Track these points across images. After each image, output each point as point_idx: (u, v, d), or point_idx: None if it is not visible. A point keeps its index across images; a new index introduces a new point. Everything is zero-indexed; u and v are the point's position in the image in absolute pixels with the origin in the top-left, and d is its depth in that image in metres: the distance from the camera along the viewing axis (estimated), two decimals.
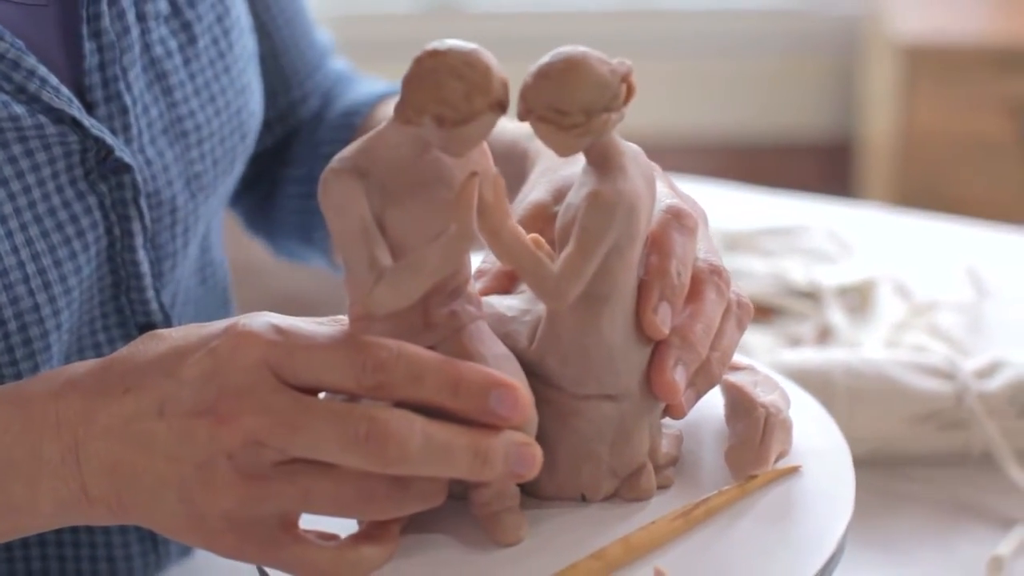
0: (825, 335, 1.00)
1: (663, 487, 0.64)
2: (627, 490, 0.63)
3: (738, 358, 0.69)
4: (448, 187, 0.58)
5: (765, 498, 0.64)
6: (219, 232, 0.89)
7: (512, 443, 0.57)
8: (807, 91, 2.87)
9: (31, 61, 0.68)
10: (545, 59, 0.57)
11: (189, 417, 0.57)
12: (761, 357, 0.93)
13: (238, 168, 0.84)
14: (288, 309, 0.62)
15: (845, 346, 0.97)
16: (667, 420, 0.66)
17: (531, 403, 0.59)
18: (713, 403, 0.67)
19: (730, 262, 1.06)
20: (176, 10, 0.77)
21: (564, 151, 0.58)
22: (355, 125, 0.93)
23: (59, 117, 0.69)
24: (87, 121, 0.70)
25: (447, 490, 0.60)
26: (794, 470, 0.65)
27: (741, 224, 1.14)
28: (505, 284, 0.66)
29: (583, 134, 0.57)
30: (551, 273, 0.57)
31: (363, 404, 0.57)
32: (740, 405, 0.66)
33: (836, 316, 1.00)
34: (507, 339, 0.62)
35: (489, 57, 0.56)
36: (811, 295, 1.03)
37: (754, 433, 0.64)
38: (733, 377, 0.67)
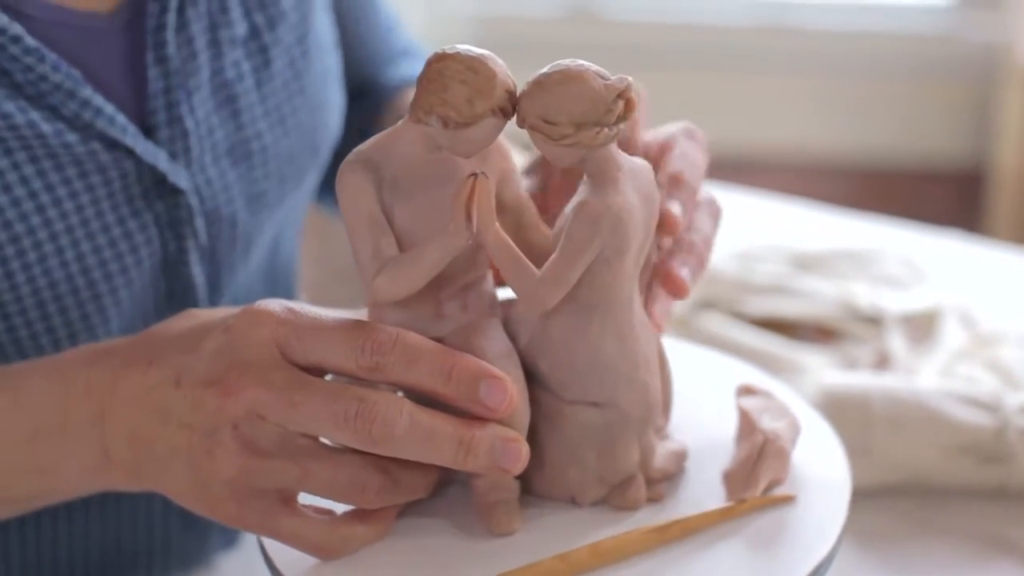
0: (884, 361, 0.99)
1: (653, 500, 0.65)
2: (616, 498, 0.64)
3: (760, 382, 0.70)
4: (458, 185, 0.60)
5: (750, 524, 0.63)
6: (291, 237, 0.91)
7: (498, 437, 0.59)
8: (940, 118, 2.83)
9: (86, 92, 0.70)
10: (543, 70, 0.58)
11: (201, 387, 0.60)
12: (809, 377, 0.94)
13: (309, 182, 0.86)
14: None
15: (902, 373, 0.97)
16: (673, 436, 0.67)
17: (522, 399, 0.61)
18: (729, 425, 0.68)
19: (798, 283, 1.06)
20: (255, 33, 0.79)
21: (557, 161, 0.59)
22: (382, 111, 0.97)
23: (113, 144, 0.72)
24: (140, 148, 0.73)
25: (434, 486, 0.63)
26: (787, 499, 0.64)
27: (816, 245, 1.14)
28: None
29: (572, 145, 0.58)
30: (532, 278, 0.59)
31: (359, 386, 0.59)
32: (744, 429, 0.66)
33: (896, 343, 1.00)
34: (510, 338, 0.63)
35: (496, 63, 0.58)
36: (874, 320, 1.03)
37: (749, 458, 0.64)
38: (746, 401, 0.68)
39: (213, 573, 0.89)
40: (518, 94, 0.59)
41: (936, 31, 2.80)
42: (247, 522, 0.61)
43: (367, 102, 0.96)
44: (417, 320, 0.61)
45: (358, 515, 0.62)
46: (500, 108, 0.58)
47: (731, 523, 0.63)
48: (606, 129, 0.58)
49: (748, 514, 0.64)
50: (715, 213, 0.68)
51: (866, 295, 1.05)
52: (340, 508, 0.63)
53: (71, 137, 0.70)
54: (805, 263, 1.11)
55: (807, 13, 2.86)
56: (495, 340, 0.62)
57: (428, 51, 1.02)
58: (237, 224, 0.79)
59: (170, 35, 0.74)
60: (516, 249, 0.59)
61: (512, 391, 0.59)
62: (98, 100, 0.71)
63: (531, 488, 0.64)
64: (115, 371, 0.63)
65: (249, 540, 0.91)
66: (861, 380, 0.89)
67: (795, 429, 0.67)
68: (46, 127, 0.69)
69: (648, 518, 0.63)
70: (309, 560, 0.61)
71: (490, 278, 0.64)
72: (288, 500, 0.61)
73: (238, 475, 0.60)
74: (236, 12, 0.78)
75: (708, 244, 0.67)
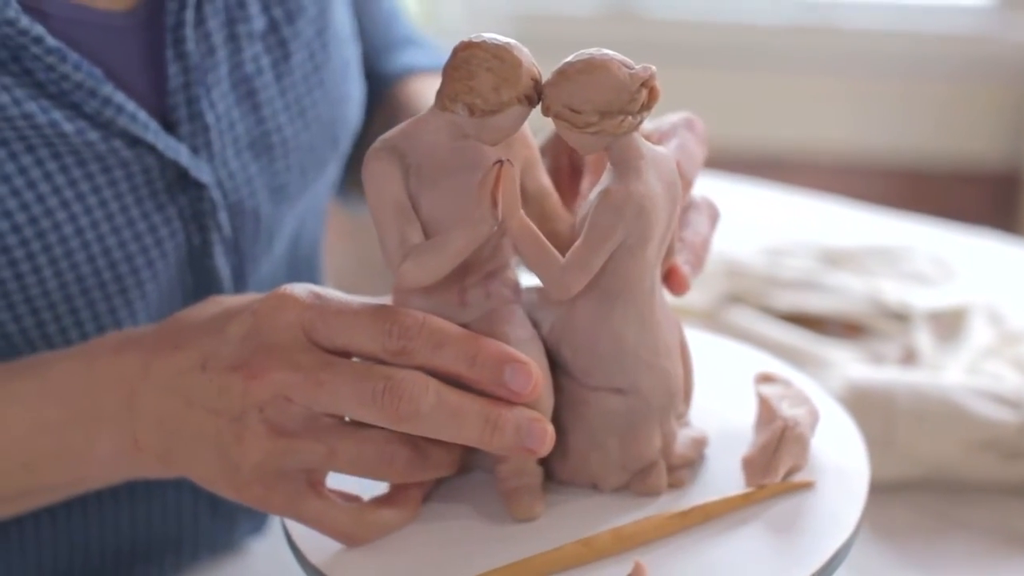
0: (910, 357, 1.00)
1: (675, 487, 0.65)
2: (637, 485, 0.65)
3: (779, 371, 0.71)
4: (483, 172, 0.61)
5: (769, 509, 0.64)
6: (313, 227, 0.92)
7: (524, 416, 0.60)
8: (978, 118, 2.82)
9: (107, 89, 0.71)
10: (568, 59, 0.59)
11: (227, 371, 0.61)
12: (835, 371, 0.94)
13: (330, 173, 0.87)
14: None
15: (928, 370, 0.97)
16: (692, 423, 0.68)
17: (545, 384, 0.62)
18: (748, 413, 0.69)
19: (826, 278, 1.07)
20: (274, 27, 0.80)
21: (582, 149, 0.60)
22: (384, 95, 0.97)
23: (135, 141, 0.73)
24: (162, 144, 0.73)
25: (460, 461, 0.64)
26: (806, 485, 0.65)
27: (846, 241, 1.14)
28: None
29: (596, 133, 0.59)
30: (556, 265, 0.60)
31: (384, 366, 0.59)
32: (763, 416, 0.67)
33: (922, 339, 1.00)
34: (533, 325, 0.64)
35: (522, 52, 0.59)
36: (902, 317, 1.03)
37: (769, 444, 0.65)
38: (765, 388, 0.68)
39: (241, 558, 0.91)
40: (543, 82, 0.60)
41: (975, 32, 2.79)
42: (274, 505, 0.62)
43: (366, 92, 0.97)
44: (441, 307, 0.62)
45: (385, 500, 0.63)
46: (526, 96, 0.59)
47: (750, 508, 0.64)
48: (630, 117, 0.59)
49: (768, 500, 0.64)
50: (713, 216, 0.69)
51: (894, 291, 1.05)
52: (366, 496, 0.63)
53: (93, 135, 0.71)
54: (834, 259, 1.11)
55: (846, 13, 2.85)
56: (519, 327, 0.63)
57: (443, 41, 1.03)
58: (260, 217, 0.80)
59: (189, 31, 0.74)
60: (540, 236, 0.60)
61: (537, 375, 0.60)
62: (119, 97, 0.71)
63: (553, 474, 0.65)
64: (143, 357, 0.64)
65: (277, 525, 0.92)
66: (886, 374, 0.90)
67: (814, 416, 0.67)
68: (68, 126, 0.70)
69: (669, 504, 0.64)
70: (333, 544, 0.62)
71: (513, 265, 0.65)
72: (315, 484, 0.62)
73: (266, 458, 0.60)
74: (254, 7, 0.78)
75: (706, 246, 0.67)
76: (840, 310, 1.04)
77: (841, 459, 0.67)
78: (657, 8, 2.93)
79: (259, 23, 0.79)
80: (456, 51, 0.59)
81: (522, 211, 0.60)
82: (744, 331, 1.01)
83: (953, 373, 0.96)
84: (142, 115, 0.72)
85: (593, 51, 0.59)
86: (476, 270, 0.63)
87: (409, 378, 0.58)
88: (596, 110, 0.58)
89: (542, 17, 2.94)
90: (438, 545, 0.62)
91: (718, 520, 0.63)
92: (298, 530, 0.63)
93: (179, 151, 0.74)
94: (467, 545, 0.62)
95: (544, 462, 0.64)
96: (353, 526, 0.61)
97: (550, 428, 0.61)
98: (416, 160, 0.61)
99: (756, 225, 1.21)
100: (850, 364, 0.95)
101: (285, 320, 0.60)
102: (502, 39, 0.59)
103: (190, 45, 0.75)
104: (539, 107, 0.60)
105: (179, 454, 0.63)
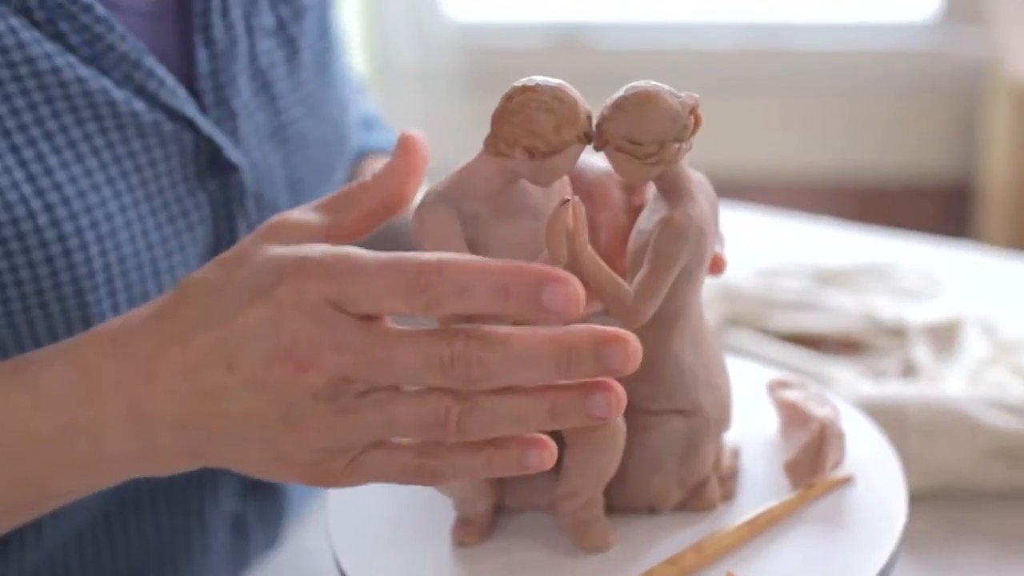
0: (909, 371, 1.02)
1: (727, 498, 0.68)
2: (694, 501, 0.67)
3: (794, 377, 0.74)
4: (535, 215, 0.62)
5: (821, 506, 0.67)
6: None
7: (597, 332, 0.55)
8: (928, 133, 2.86)
9: (150, 62, 0.73)
10: (620, 93, 0.61)
11: (264, 367, 0.56)
12: (839, 388, 0.96)
13: (337, 176, 0.89)
14: None
15: (928, 382, 0.99)
16: (724, 436, 0.70)
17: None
18: (763, 420, 0.72)
19: (821, 298, 1.09)
20: (281, 25, 0.83)
21: (637, 179, 0.62)
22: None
23: (175, 115, 0.75)
24: (200, 120, 0.76)
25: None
26: (847, 480, 0.69)
27: (835, 261, 1.16)
28: None
29: (656, 163, 0.60)
30: (628, 294, 0.61)
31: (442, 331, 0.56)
32: (796, 419, 0.69)
33: (920, 353, 1.02)
34: None
35: (574, 91, 0.60)
36: (897, 332, 1.05)
37: (811, 444, 0.68)
38: (787, 394, 0.71)
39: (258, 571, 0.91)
40: (596, 119, 0.61)
41: (922, 47, 2.84)
42: (361, 476, 0.59)
43: None
44: None
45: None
46: (584, 134, 0.60)
47: (802, 508, 0.67)
48: (683, 144, 0.61)
49: (816, 497, 0.68)
50: None
51: (888, 308, 1.08)
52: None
53: (139, 105, 0.73)
54: (826, 278, 1.14)
55: (794, 35, 2.89)
56: None
57: (395, 82, 1.06)
58: (279, 209, 0.81)
59: (215, 18, 0.77)
60: (609, 269, 0.61)
61: (578, 289, 0.54)
62: (161, 71, 0.73)
63: (609, 502, 0.66)
64: (144, 361, 0.60)
65: (290, 541, 0.92)
66: (895, 389, 0.92)
67: (838, 413, 0.71)
68: (117, 93, 0.72)
69: (723, 516, 0.67)
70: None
71: None
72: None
73: (331, 441, 0.57)
74: (264, 2, 0.82)
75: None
76: (837, 328, 1.06)
77: (863, 449, 0.71)
78: (604, 39, 2.96)
79: (269, 19, 0.82)
80: (511, 96, 0.60)
81: (589, 246, 0.61)
82: (744, 353, 1.03)
83: (953, 384, 0.98)
84: (181, 91, 0.74)
85: (642, 83, 0.61)
86: None
87: (472, 328, 0.55)
88: (655, 140, 0.60)
89: (492, 51, 2.96)
90: None
91: (777, 524, 0.66)
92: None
93: (213, 130, 0.76)
94: None
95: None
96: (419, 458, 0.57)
97: (632, 340, 0.55)
98: (472, 208, 0.61)
99: (747, 248, 1.23)
100: (856, 380, 0.97)
101: (311, 299, 0.56)
102: (554, 81, 0.60)
103: (217, 32, 0.77)
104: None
105: (215, 448, 0.60)
